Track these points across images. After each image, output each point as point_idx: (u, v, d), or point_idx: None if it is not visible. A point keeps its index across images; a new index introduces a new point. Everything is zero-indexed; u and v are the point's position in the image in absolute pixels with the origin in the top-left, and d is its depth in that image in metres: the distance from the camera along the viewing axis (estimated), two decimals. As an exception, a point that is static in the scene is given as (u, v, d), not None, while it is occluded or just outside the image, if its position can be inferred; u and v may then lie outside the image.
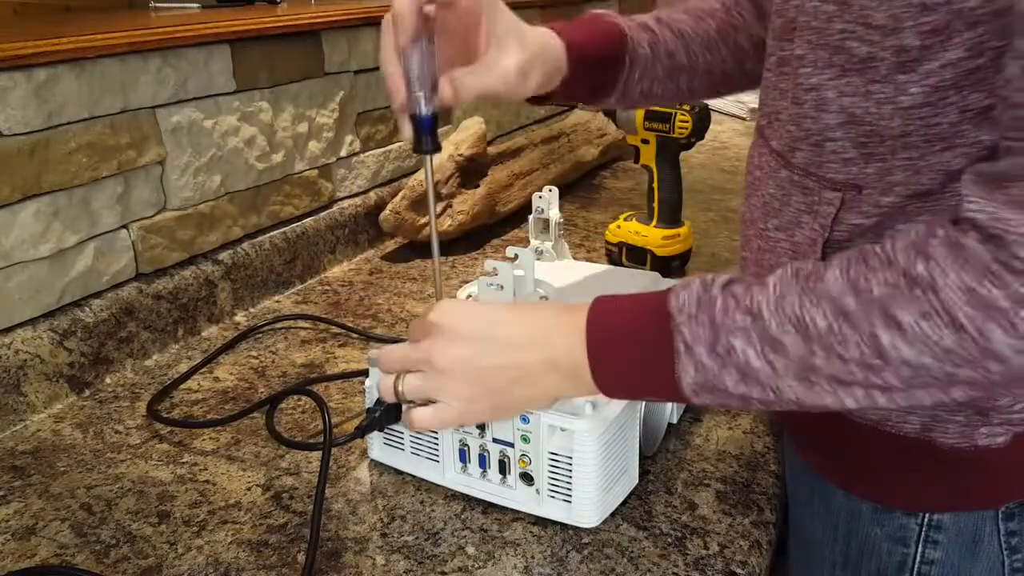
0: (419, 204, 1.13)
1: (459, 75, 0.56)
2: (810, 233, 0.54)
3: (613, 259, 1.10)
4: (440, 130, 0.59)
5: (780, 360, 0.45)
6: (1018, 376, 0.42)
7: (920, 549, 0.58)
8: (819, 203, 0.53)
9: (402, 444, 0.67)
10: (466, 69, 0.57)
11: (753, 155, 0.63)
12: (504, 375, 0.54)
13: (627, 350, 0.50)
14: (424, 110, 0.56)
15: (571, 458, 0.58)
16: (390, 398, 0.58)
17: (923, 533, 0.58)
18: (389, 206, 1.13)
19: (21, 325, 0.78)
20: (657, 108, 1.01)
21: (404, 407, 0.59)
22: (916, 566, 0.58)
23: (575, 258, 0.91)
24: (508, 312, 0.56)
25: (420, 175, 1.14)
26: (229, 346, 0.90)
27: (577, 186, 1.49)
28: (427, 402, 0.56)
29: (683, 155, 1.05)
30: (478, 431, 0.62)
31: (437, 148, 0.58)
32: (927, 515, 0.57)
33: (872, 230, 0.52)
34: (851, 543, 0.62)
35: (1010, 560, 0.57)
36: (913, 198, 0.50)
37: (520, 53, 0.57)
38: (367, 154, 1.20)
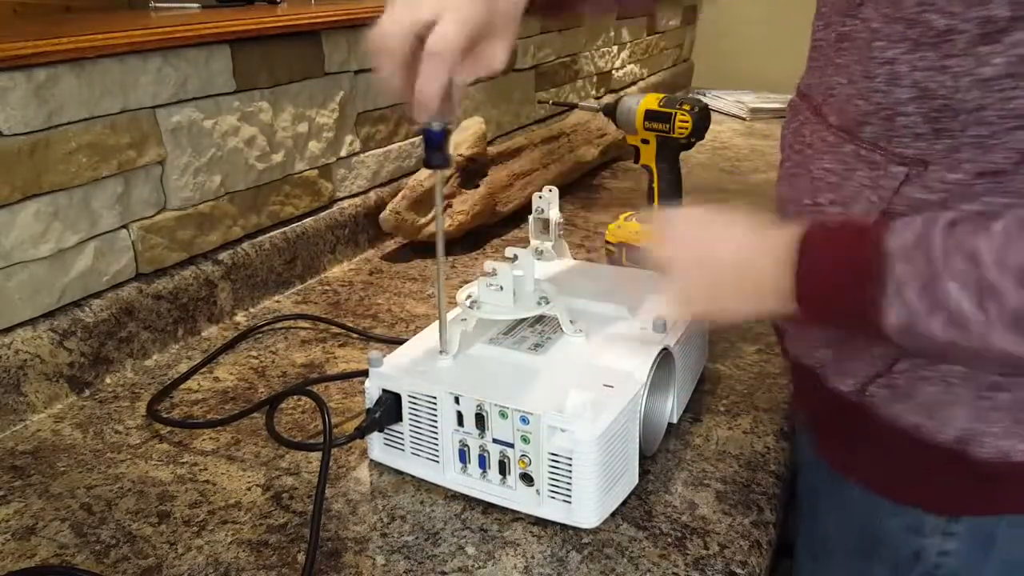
0: (419, 204, 1.13)
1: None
2: (867, 206, 0.54)
3: (613, 259, 1.10)
4: None
5: (995, 307, 0.43)
6: None
7: (938, 540, 0.58)
8: (884, 176, 0.53)
9: (402, 444, 0.67)
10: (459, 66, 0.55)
11: (801, 133, 0.62)
12: (725, 281, 0.56)
13: (834, 275, 0.49)
14: (435, 126, 0.56)
15: (571, 458, 0.58)
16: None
17: (940, 525, 0.58)
18: (389, 206, 1.13)
19: (21, 325, 0.78)
20: (657, 108, 1.01)
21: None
22: (932, 556, 0.58)
23: (575, 258, 0.91)
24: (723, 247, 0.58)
25: (420, 175, 1.14)
26: (229, 346, 0.90)
27: (577, 186, 1.49)
28: None
29: (683, 155, 1.05)
30: (478, 431, 0.62)
31: (447, 164, 0.58)
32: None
33: (935, 206, 0.51)
34: (866, 533, 0.62)
35: None
36: (982, 176, 0.49)
37: (506, 39, 0.55)
38: (367, 154, 1.20)
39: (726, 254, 0.56)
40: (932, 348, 0.47)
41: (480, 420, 0.62)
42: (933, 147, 0.51)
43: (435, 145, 0.57)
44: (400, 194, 1.13)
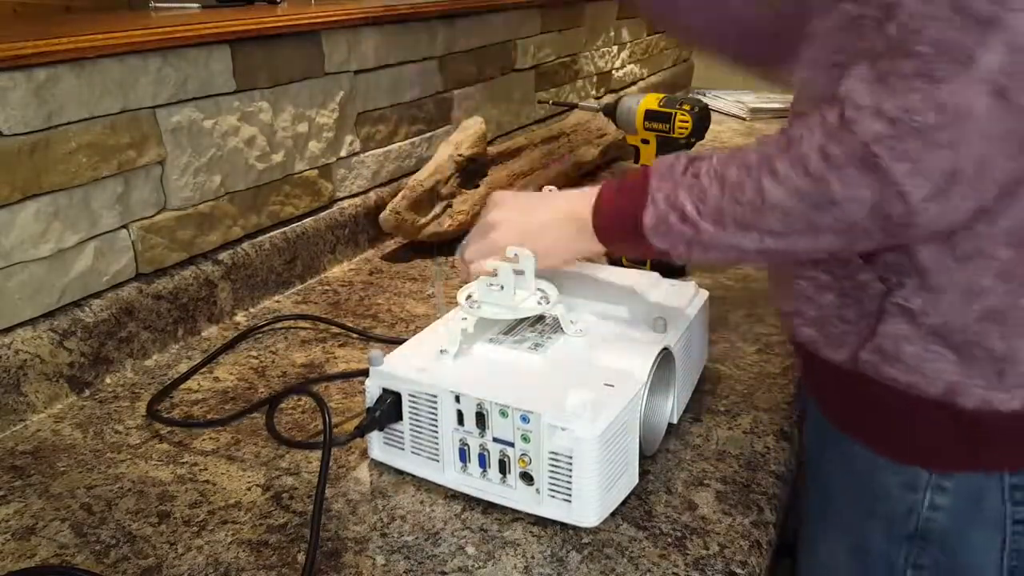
0: (419, 204, 1.13)
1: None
2: None
3: (613, 259, 1.10)
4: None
5: (703, 206, 0.58)
6: (853, 221, 0.53)
7: (929, 495, 0.61)
8: None
9: (402, 443, 0.67)
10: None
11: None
12: (536, 233, 0.70)
13: (616, 201, 0.65)
14: None
15: (571, 458, 0.58)
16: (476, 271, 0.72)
17: (932, 480, 0.61)
18: (389, 206, 1.13)
19: (21, 325, 0.78)
20: (657, 108, 1.01)
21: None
22: (923, 511, 0.62)
23: (575, 258, 0.91)
24: (540, 197, 0.75)
25: (420, 175, 1.14)
26: (229, 346, 0.90)
27: (577, 186, 1.48)
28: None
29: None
30: (478, 430, 0.62)
31: None
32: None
33: None
34: (866, 490, 0.65)
35: (1012, 510, 0.60)
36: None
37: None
38: (367, 154, 1.20)
39: (545, 213, 0.71)
40: (676, 241, 0.61)
41: (480, 419, 0.62)
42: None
43: None
44: (400, 194, 1.13)
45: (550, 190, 0.77)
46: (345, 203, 1.16)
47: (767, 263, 0.69)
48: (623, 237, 0.65)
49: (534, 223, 0.70)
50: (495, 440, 0.62)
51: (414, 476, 0.67)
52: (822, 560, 0.72)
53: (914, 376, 0.59)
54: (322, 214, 1.12)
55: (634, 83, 2.12)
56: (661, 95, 1.03)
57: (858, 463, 0.65)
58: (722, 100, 2.17)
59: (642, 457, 0.65)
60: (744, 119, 2.08)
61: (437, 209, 1.15)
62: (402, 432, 0.66)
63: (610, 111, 1.07)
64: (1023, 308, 0.55)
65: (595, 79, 1.92)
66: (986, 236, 0.54)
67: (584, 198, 0.68)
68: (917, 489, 0.62)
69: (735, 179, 0.57)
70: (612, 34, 1.97)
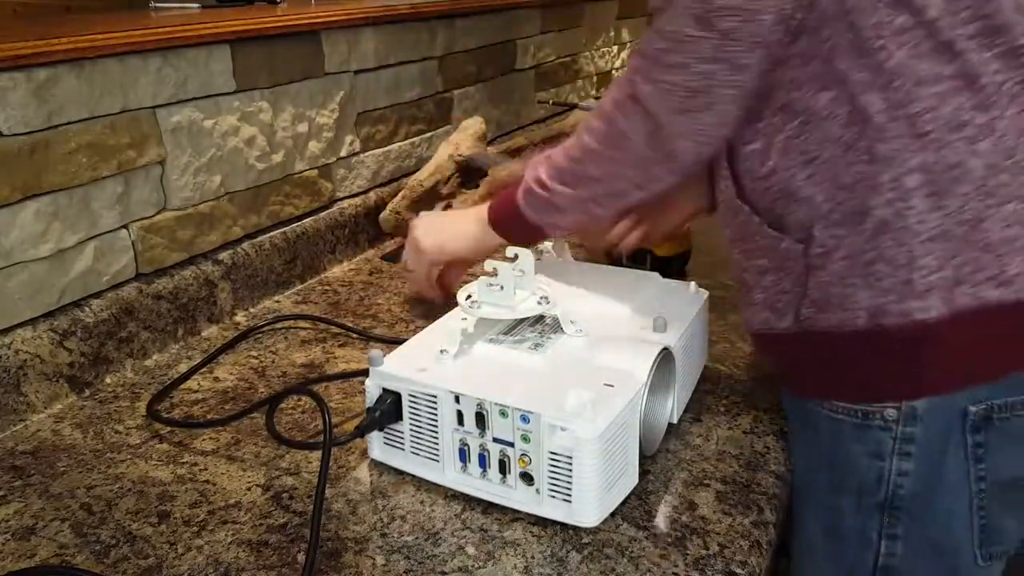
0: (419, 204, 1.13)
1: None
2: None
3: (613, 259, 1.10)
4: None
5: (553, 170, 0.72)
6: (640, 151, 0.64)
7: (895, 461, 0.63)
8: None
9: (402, 444, 0.67)
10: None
11: None
12: (444, 227, 0.88)
13: (505, 193, 0.79)
14: None
15: (571, 458, 0.58)
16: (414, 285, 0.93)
17: (896, 446, 0.62)
18: (389, 206, 1.13)
19: (21, 325, 0.78)
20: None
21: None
22: (891, 477, 0.63)
23: (575, 258, 0.91)
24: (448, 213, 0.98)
25: (420, 175, 1.14)
26: (229, 346, 0.90)
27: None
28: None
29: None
30: (478, 430, 0.62)
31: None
32: (899, 427, 0.62)
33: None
34: (835, 464, 0.66)
35: (975, 469, 0.61)
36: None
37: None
38: (367, 154, 1.20)
39: (454, 215, 0.93)
40: (543, 212, 0.75)
41: (480, 419, 0.62)
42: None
43: None
44: (400, 194, 1.13)
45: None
46: (345, 203, 1.16)
47: (610, 214, 0.76)
48: (507, 219, 0.78)
49: (444, 221, 0.90)
50: (495, 440, 0.62)
51: (414, 476, 0.67)
52: (801, 543, 0.73)
53: (844, 313, 0.61)
54: (322, 214, 1.12)
55: (634, 83, 2.12)
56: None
57: (824, 436, 0.66)
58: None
59: (642, 457, 0.65)
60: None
61: (437, 209, 1.15)
62: (402, 432, 0.66)
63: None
64: (906, 214, 0.57)
65: (595, 79, 1.92)
66: (837, 159, 0.58)
67: (488, 204, 0.82)
68: (883, 456, 0.63)
69: (570, 142, 0.70)
70: (612, 34, 1.97)
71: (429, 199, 1.14)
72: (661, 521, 0.62)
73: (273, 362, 0.87)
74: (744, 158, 0.64)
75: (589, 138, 0.68)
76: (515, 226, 0.77)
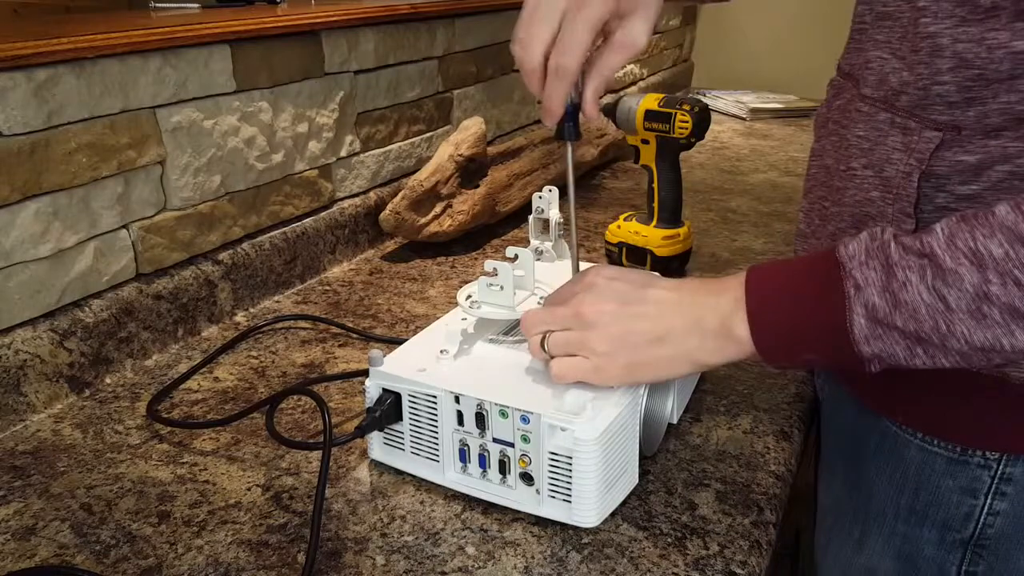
0: (419, 204, 1.13)
1: (595, 61, 0.61)
2: (904, 168, 0.58)
3: (613, 259, 1.10)
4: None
5: (953, 293, 0.46)
6: None
7: (988, 501, 0.60)
8: (918, 141, 0.57)
9: (402, 444, 0.67)
10: (598, 52, 0.60)
11: (836, 106, 0.69)
12: (645, 334, 0.57)
13: (792, 302, 0.51)
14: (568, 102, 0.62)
15: (571, 458, 0.58)
16: (539, 356, 0.60)
17: (994, 485, 0.59)
18: (389, 206, 1.13)
19: (21, 325, 0.78)
20: (657, 108, 1.01)
21: (547, 360, 0.61)
22: (983, 516, 0.60)
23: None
24: (658, 278, 0.60)
25: (420, 175, 1.14)
26: (229, 346, 0.90)
27: (577, 186, 1.48)
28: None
29: (683, 155, 1.05)
30: (478, 431, 0.62)
31: (579, 136, 0.66)
32: (1000, 467, 0.59)
33: (973, 167, 0.55)
34: (919, 495, 0.63)
35: None
36: (1015, 141, 0.53)
37: (646, 17, 0.58)
38: (367, 154, 1.20)
39: (659, 320, 0.57)
40: (900, 350, 0.49)
41: (480, 419, 0.62)
42: (965, 113, 0.54)
43: (568, 120, 0.64)
44: (400, 194, 1.13)
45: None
46: (345, 203, 1.16)
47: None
48: (803, 345, 0.52)
49: (641, 336, 0.57)
50: (495, 440, 0.62)
51: (414, 476, 0.67)
52: (862, 564, 0.70)
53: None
54: (322, 214, 1.12)
55: (634, 83, 2.12)
56: (661, 95, 1.03)
57: (911, 465, 0.63)
58: (722, 100, 2.17)
59: (642, 457, 0.66)
60: (744, 119, 2.08)
61: (437, 209, 1.15)
62: (402, 432, 0.66)
63: (610, 111, 1.07)
64: None
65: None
66: None
67: (720, 290, 0.55)
68: (977, 495, 0.60)
69: (1002, 255, 0.45)
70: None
71: (429, 199, 1.14)
72: (661, 521, 0.62)
73: (273, 362, 0.88)
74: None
75: None
76: (818, 359, 0.53)
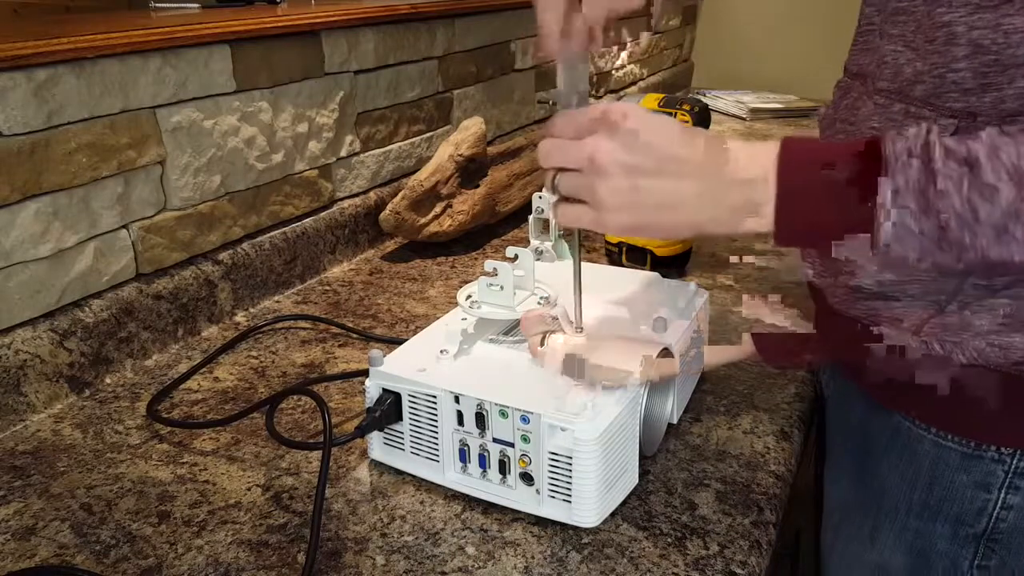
0: (419, 204, 1.13)
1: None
2: None
3: (613, 259, 1.10)
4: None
5: (985, 207, 0.45)
6: None
7: (1002, 495, 0.60)
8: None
9: (402, 444, 0.67)
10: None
11: (844, 106, 0.69)
12: (656, 196, 0.52)
13: (823, 191, 0.49)
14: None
15: (571, 458, 0.58)
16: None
17: (1008, 480, 0.60)
18: (389, 206, 1.13)
19: (21, 325, 0.78)
20: (657, 109, 1.01)
21: (553, 200, 0.58)
22: (996, 511, 0.61)
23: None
24: (691, 134, 0.53)
25: (420, 175, 1.14)
26: (229, 346, 0.90)
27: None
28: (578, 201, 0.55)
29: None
30: (478, 431, 0.62)
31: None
32: (1014, 462, 0.59)
33: None
34: (933, 490, 0.63)
35: None
36: None
37: None
38: (367, 154, 1.20)
39: (682, 176, 0.52)
40: (914, 254, 0.48)
41: (480, 419, 0.62)
42: (981, 99, 0.54)
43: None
44: (400, 194, 1.13)
45: None
46: (345, 203, 1.16)
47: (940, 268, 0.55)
48: (823, 229, 0.50)
49: (651, 198, 0.53)
50: (495, 440, 0.62)
51: (414, 476, 0.67)
52: (873, 560, 0.70)
53: (983, 345, 0.56)
54: (322, 214, 1.12)
55: (634, 83, 2.12)
56: (661, 95, 1.03)
57: (924, 459, 0.64)
58: (722, 100, 2.17)
59: (642, 457, 0.66)
60: (744, 119, 2.08)
61: (437, 209, 1.15)
62: (402, 432, 0.66)
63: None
64: None
65: (595, 79, 1.92)
66: None
67: (743, 175, 0.51)
68: (991, 489, 0.61)
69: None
70: (612, 34, 1.97)
71: (429, 199, 1.14)
72: (661, 521, 0.62)
73: (273, 362, 0.88)
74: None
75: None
76: (828, 226, 0.50)
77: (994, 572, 0.62)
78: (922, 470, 0.64)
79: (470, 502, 0.64)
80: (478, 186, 1.21)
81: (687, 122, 0.99)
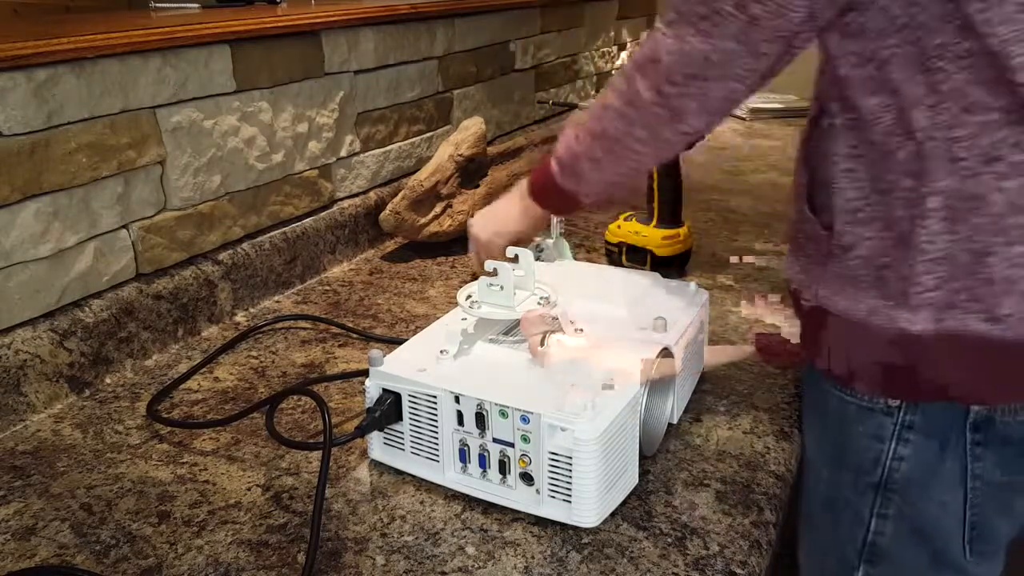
0: (419, 204, 1.13)
1: None
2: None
3: (613, 259, 1.10)
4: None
5: (580, 130, 0.71)
6: (653, 113, 0.64)
7: (893, 446, 0.64)
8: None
9: (402, 444, 0.67)
10: None
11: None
12: (495, 214, 0.85)
13: (541, 164, 0.77)
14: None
15: (571, 458, 0.58)
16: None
17: (896, 432, 0.64)
18: (389, 206, 1.13)
19: (21, 325, 0.78)
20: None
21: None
22: (888, 460, 0.65)
23: (575, 258, 0.91)
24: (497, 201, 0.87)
25: (420, 175, 1.14)
26: (229, 346, 0.90)
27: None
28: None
29: (683, 155, 1.04)
30: (478, 431, 0.62)
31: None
32: (901, 415, 0.63)
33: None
34: (839, 441, 0.68)
35: (972, 466, 0.62)
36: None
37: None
38: (367, 154, 1.20)
39: (499, 203, 0.85)
40: (575, 172, 0.72)
41: (480, 419, 0.62)
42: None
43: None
44: (400, 194, 1.13)
45: None
46: (345, 203, 1.16)
47: (625, 180, 0.74)
48: (543, 187, 0.77)
49: (494, 209, 0.86)
50: (495, 440, 0.62)
51: (414, 476, 0.67)
52: (802, 513, 0.74)
53: (848, 303, 0.62)
54: (322, 214, 1.12)
55: (634, 83, 2.12)
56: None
57: (832, 415, 0.68)
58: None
59: (642, 457, 0.66)
60: (744, 119, 2.07)
61: (437, 209, 1.15)
62: (402, 432, 0.66)
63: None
64: (919, 231, 0.58)
65: (595, 79, 1.92)
66: (875, 163, 0.59)
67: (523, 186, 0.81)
68: (883, 439, 0.64)
69: (596, 102, 0.70)
70: (612, 34, 1.97)
71: (429, 199, 1.14)
72: (661, 521, 0.62)
73: (273, 362, 0.88)
74: (819, 134, 0.66)
75: (610, 93, 0.67)
76: (550, 194, 0.76)
77: (893, 520, 0.66)
78: (829, 423, 0.69)
79: (470, 502, 0.64)
80: (478, 186, 1.21)
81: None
